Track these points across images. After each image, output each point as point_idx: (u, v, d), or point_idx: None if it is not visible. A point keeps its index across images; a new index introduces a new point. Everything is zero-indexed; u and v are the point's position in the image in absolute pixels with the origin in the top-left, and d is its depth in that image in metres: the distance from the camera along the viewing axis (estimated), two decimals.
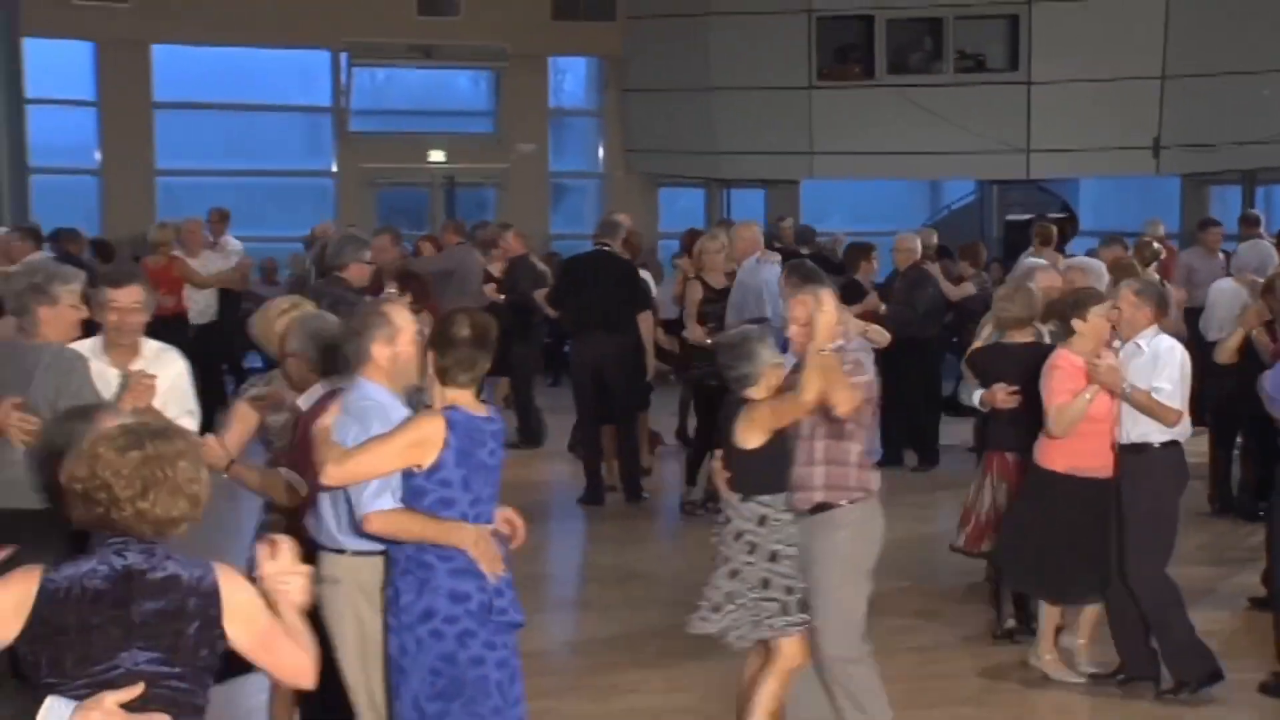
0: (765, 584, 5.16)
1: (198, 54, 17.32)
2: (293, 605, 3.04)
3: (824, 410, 5.05)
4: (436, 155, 18.18)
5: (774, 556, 5.19)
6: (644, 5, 18.10)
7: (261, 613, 2.99)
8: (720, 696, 5.70)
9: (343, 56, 17.74)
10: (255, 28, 16.89)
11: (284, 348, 5.15)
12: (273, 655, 3.02)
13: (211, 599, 2.94)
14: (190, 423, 5.11)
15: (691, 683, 6.23)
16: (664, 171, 18.87)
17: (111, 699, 2.83)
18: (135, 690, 2.85)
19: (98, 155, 17.34)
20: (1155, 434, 5.96)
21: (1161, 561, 6.05)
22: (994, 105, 16.97)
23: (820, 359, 4.95)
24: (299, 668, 3.10)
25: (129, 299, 5.24)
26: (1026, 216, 16.21)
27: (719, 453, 5.37)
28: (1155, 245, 11.48)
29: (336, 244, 8.22)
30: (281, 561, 3.08)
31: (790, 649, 5.24)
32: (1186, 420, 6.00)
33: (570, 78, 19.57)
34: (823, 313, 4.99)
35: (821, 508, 5.16)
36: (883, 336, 7.06)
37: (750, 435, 5.16)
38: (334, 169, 18.21)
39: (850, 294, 9.37)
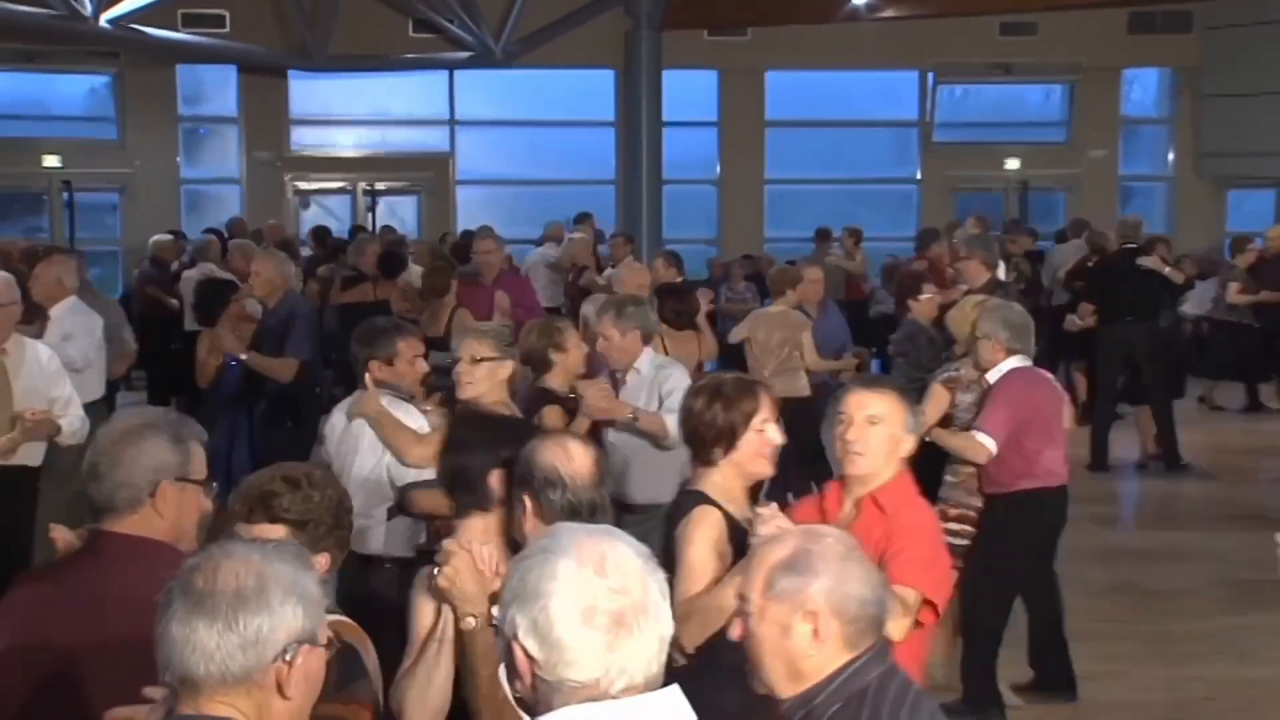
0: None
1: (803, 78, 18.53)
2: None
3: None
4: (1012, 163, 18.81)
5: None
6: (1223, 15, 18.04)
7: None
8: None
9: (930, 75, 18.67)
10: (854, 54, 18.00)
11: (975, 332, 5.86)
12: None
13: None
14: None
15: None
16: (1236, 174, 18.71)
17: None
18: None
19: (718, 168, 18.90)
20: None
21: None
22: None
23: None
24: None
25: None
26: None
27: None
28: None
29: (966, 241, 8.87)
30: None
31: None
32: None
33: (1138, 87, 19.69)
34: None
35: None
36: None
37: None
38: (918, 176, 19.12)
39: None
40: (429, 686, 2.88)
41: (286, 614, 1.95)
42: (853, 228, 15.20)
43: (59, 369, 5.86)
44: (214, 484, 2.97)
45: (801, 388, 8.29)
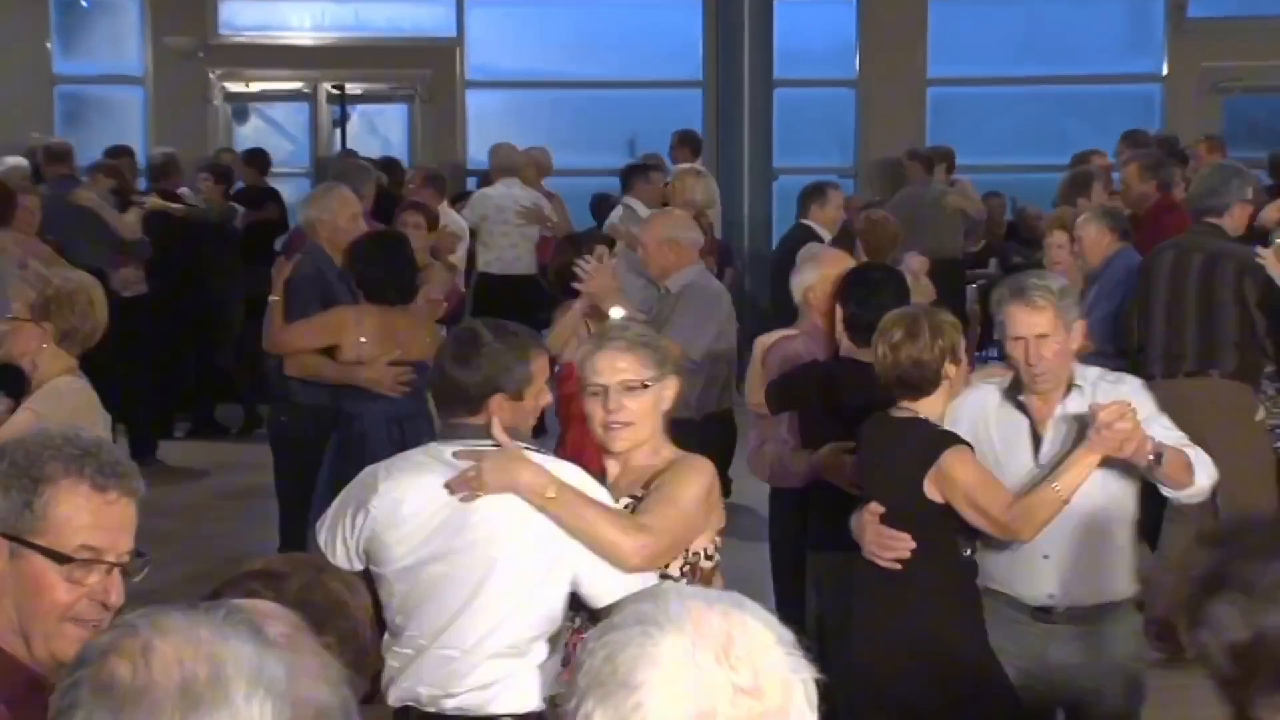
0: None
1: None
2: None
3: None
4: None
5: None
6: None
7: None
8: None
9: None
10: None
11: None
12: None
13: None
14: None
15: None
16: None
17: None
18: None
19: (856, 63, 15.67)
20: None
21: None
22: None
23: None
24: None
25: None
26: None
27: None
28: None
29: (1216, 181, 6.98)
30: None
31: None
32: None
33: None
34: None
35: None
36: None
37: None
38: (1164, 72, 15.79)
39: None
40: None
41: (253, 713, 1.66)
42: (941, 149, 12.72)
43: None
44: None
45: None
